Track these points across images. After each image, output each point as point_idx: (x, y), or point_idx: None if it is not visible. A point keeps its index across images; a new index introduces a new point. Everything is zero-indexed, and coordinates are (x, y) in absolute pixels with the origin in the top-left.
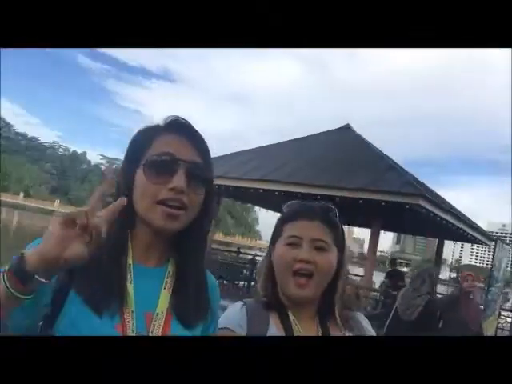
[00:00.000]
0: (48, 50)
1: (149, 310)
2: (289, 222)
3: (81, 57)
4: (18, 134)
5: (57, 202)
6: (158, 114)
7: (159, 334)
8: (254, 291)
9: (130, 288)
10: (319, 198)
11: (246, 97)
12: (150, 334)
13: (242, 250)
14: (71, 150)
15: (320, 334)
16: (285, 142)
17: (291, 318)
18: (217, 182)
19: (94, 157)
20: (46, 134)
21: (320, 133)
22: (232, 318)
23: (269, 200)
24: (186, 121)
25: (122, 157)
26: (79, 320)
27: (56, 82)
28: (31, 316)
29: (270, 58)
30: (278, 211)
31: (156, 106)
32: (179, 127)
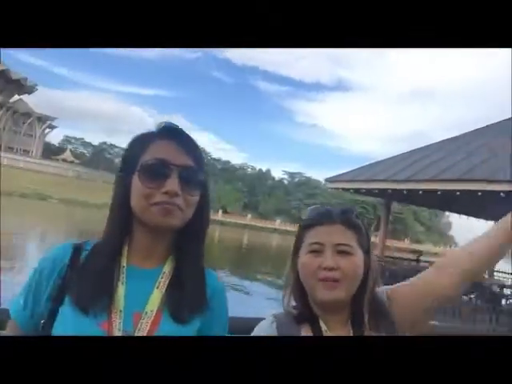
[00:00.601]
0: (228, 78)
1: (138, 310)
2: (309, 228)
3: (261, 82)
4: (214, 159)
5: (249, 217)
6: (333, 125)
7: (145, 333)
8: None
9: (122, 289)
10: (496, 193)
11: (423, 94)
12: (136, 333)
13: (423, 258)
14: (257, 168)
15: None
16: (462, 134)
17: (323, 328)
18: (385, 186)
19: (277, 172)
20: (235, 157)
21: (500, 121)
22: (261, 333)
23: (446, 201)
24: (178, 127)
25: (303, 171)
26: (67, 319)
27: (240, 107)
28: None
29: (440, 52)
30: (464, 213)
31: (332, 117)
32: (172, 133)
